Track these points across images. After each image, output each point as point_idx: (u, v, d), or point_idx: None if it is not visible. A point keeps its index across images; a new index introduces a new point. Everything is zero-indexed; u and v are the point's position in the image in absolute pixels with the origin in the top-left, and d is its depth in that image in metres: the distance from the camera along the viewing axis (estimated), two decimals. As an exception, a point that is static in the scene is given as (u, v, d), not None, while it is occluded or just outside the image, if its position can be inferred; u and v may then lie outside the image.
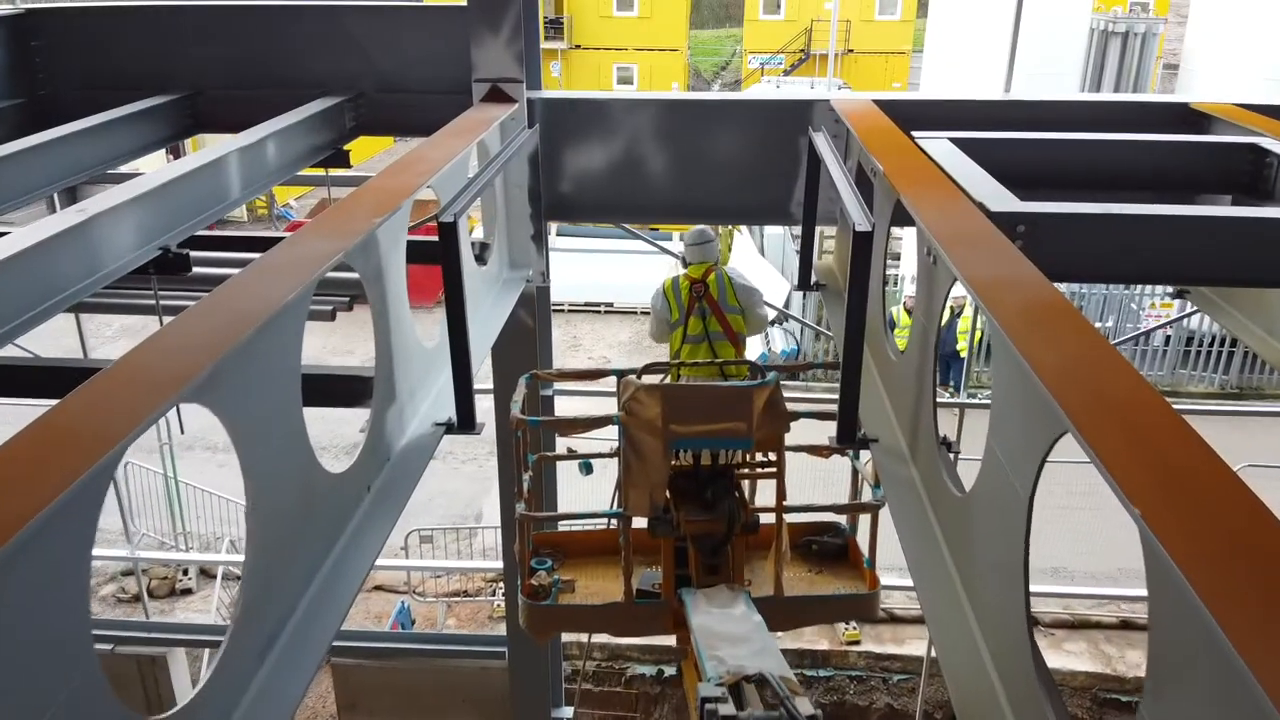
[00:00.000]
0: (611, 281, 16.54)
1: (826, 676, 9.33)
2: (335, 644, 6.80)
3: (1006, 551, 2.36)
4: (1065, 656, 9.30)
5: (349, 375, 3.65)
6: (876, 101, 5.12)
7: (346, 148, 5.34)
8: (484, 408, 6.97)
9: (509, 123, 5.15)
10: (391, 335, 3.42)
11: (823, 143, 4.65)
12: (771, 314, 15.77)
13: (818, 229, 5.29)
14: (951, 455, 3.28)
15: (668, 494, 4.21)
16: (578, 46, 34.91)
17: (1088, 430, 1.93)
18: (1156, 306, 14.34)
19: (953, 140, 4.23)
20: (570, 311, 17.15)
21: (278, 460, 2.52)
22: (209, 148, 4.28)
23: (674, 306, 4.74)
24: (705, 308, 4.78)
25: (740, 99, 5.40)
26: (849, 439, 3.61)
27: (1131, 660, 9.31)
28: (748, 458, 4.33)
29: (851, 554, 4.91)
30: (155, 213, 3.65)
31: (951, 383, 14.38)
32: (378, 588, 9.78)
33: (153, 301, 3.87)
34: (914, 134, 4.33)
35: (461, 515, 10.61)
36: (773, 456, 4.28)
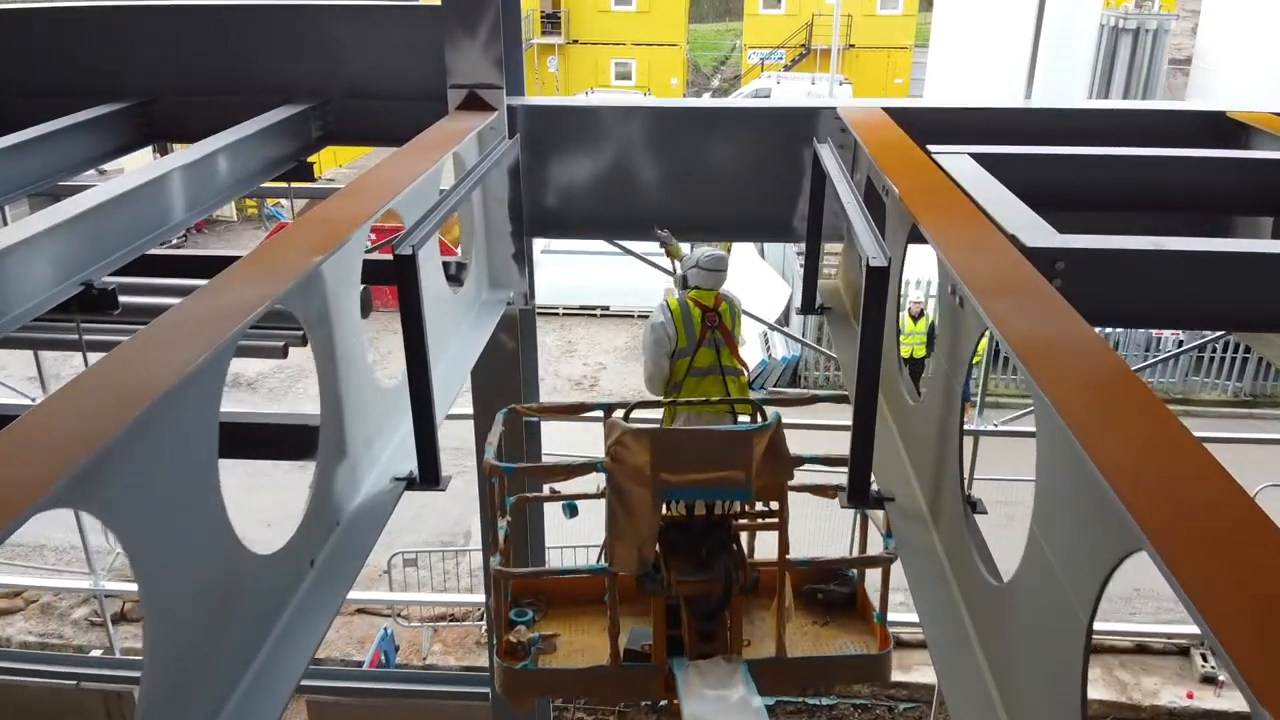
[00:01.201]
0: (607, 284, 16.10)
1: (829, 705, 8.93)
2: (308, 683, 6.41)
3: (1057, 674, 1.95)
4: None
5: (296, 425, 3.24)
6: (886, 109, 4.71)
7: (311, 159, 4.92)
8: (463, 434, 6.56)
9: (487, 132, 4.74)
10: (341, 382, 3.02)
11: (829, 157, 4.23)
12: (773, 316, 15.36)
13: (823, 247, 4.89)
14: (976, 514, 2.89)
15: (658, 548, 3.80)
16: (575, 41, 34.45)
17: (1170, 554, 1.54)
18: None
19: (973, 156, 3.83)
20: (565, 315, 16.73)
21: (183, 555, 2.12)
22: (149, 164, 3.87)
23: (682, 333, 4.30)
24: (718, 338, 4.33)
25: (738, 106, 4.99)
26: (861, 498, 3.20)
27: (1148, 688, 8.91)
28: (747, 508, 3.92)
29: (860, 603, 4.50)
30: (77, 243, 3.24)
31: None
32: (360, 610, 9.37)
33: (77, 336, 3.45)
34: (930, 148, 3.93)
35: (450, 533, 10.20)
36: (774, 505, 3.86)
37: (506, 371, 5.39)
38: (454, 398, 4.13)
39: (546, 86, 34.83)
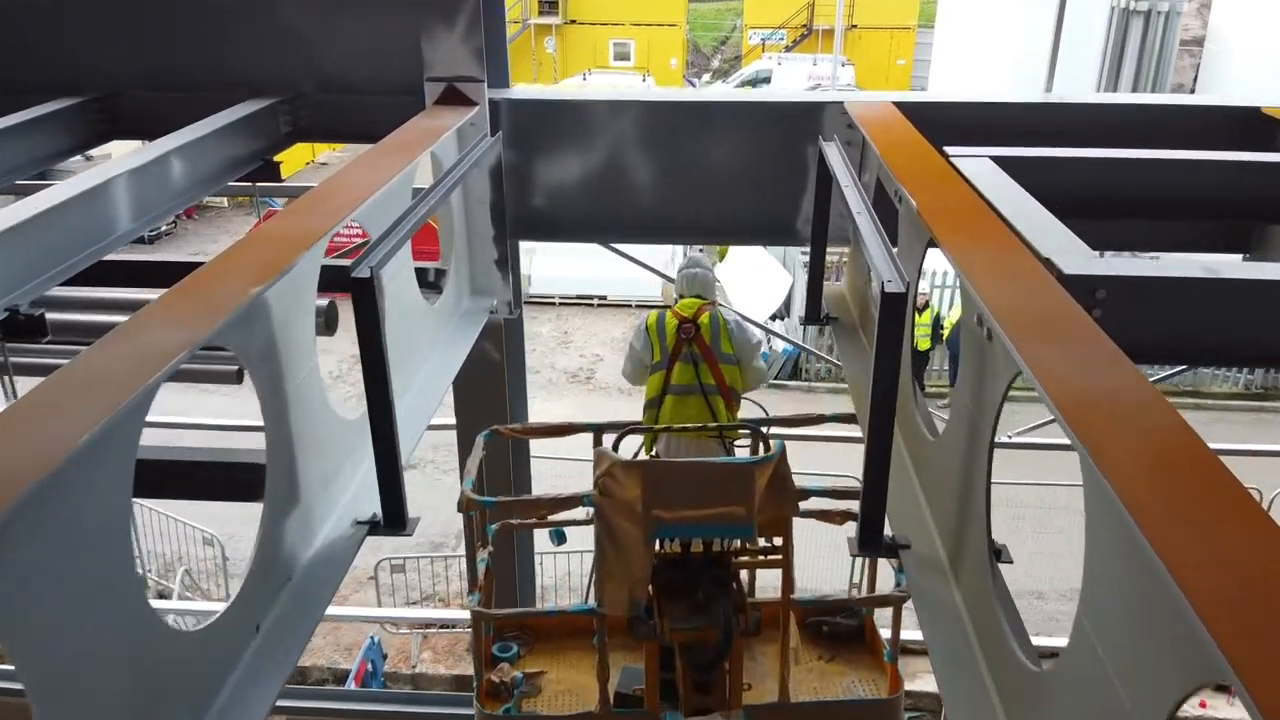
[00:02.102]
0: (604, 274, 15.72)
1: None
2: (285, 703, 6.13)
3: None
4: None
5: (243, 463, 2.91)
6: (897, 104, 4.37)
7: (278, 158, 4.59)
8: (444, 441, 6.19)
9: (467, 129, 4.40)
10: (293, 420, 2.70)
11: (836, 158, 3.89)
12: (774, 307, 15.02)
13: (829, 252, 4.56)
14: (1001, 563, 2.58)
15: (650, 589, 3.49)
16: (573, 22, 33.93)
17: (1266, 702, 1.22)
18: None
19: (994, 159, 3.50)
20: (561, 305, 16.39)
21: (81, 654, 1.80)
22: (89, 171, 3.53)
23: (655, 346, 4.01)
24: (695, 353, 4.03)
25: (738, 100, 4.64)
26: (873, 546, 2.89)
27: None
28: (748, 544, 3.61)
29: (869, 636, 4.20)
30: (2, 263, 2.90)
31: (963, 384, 13.65)
32: (348, 616, 9.07)
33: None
34: (948, 150, 3.59)
35: (441, 534, 9.90)
36: (778, 541, 3.55)
37: (491, 383, 5.08)
38: (430, 417, 3.82)
39: (544, 67, 34.37)
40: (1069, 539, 9.32)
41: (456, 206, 4.46)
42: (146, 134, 4.80)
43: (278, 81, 4.71)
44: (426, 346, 4.05)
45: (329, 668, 8.68)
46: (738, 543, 3.61)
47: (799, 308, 14.40)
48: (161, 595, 9.31)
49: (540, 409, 13.57)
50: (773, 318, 15.09)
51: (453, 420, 5.47)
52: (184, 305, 2.27)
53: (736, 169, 4.69)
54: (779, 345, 14.13)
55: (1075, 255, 2.52)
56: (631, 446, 4.49)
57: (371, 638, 8.40)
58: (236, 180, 4.48)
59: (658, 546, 3.48)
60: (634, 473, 3.25)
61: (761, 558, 3.69)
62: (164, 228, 18.98)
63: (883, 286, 2.59)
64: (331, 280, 3.01)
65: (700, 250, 4.34)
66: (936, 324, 13.62)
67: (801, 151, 4.59)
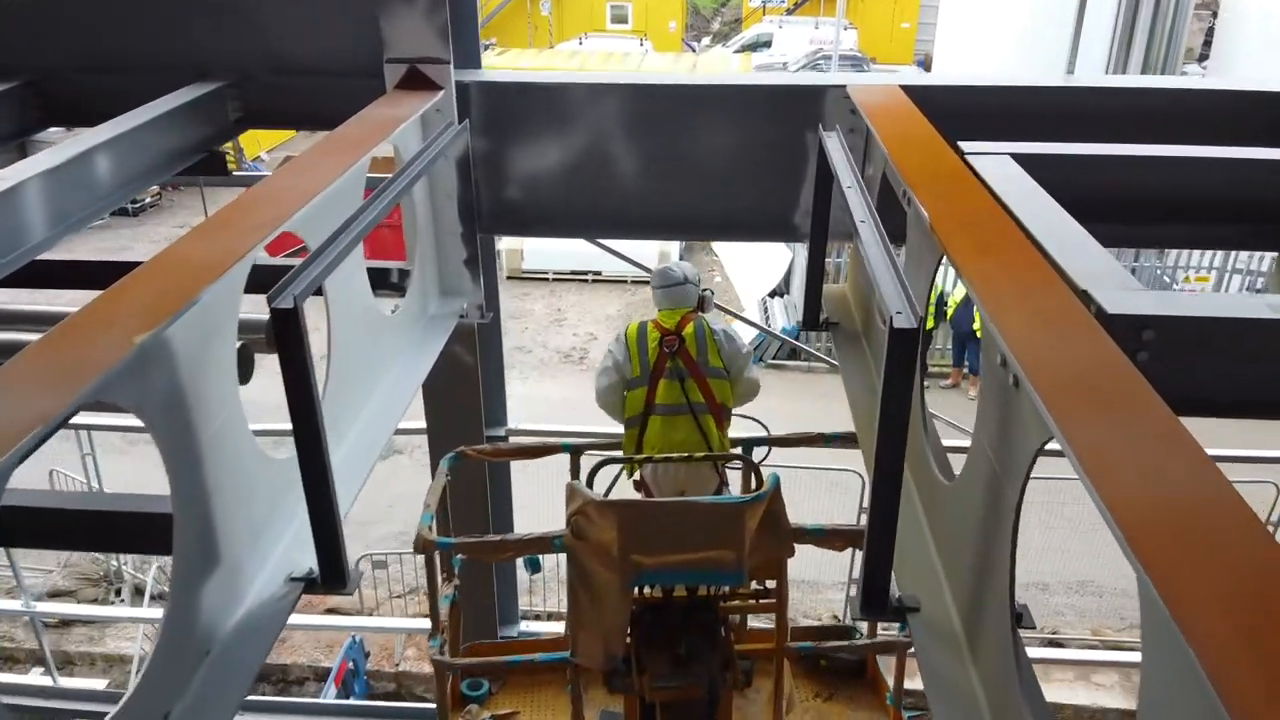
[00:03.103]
0: (599, 249, 15.29)
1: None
2: (247, 716, 5.84)
3: None
4: (1094, 691, 8.36)
5: (144, 513, 2.54)
6: (905, 88, 3.97)
7: (225, 148, 4.19)
8: (414, 443, 5.82)
9: (432, 115, 4.01)
10: (208, 471, 2.34)
11: (837, 152, 3.50)
12: (772, 284, 14.60)
13: (828, 253, 4.17)
14: (1022, 627, 2.24)
15: (629, 639, 3.15)
16: (570, -16, 33.20)
17: None
18: (1191, 280, 13.15)
19: (1015, 156, 3.11)
20: (555, 281, 15.96)
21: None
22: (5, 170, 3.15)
23: (635, 361, 3.64)
24: (681, 368, 3.66)
25: (731, 84, 4.24)
26: (878, 608, 2.54)
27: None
28: (738, 589, 3.26)
29: (870, 673, 3.87)
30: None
31: (967, 365, 13.30)
32: (330, 610, 8.77)
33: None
34: (963, 146, 3.20)
35: (427, 524, 9.58)
36: (771, 583, 3.21)
37: (464, 390, 4.71)
38: (389, 435, 3.47)
39: (540, 31, 33.68)
40: (1076, 530, 9.01)
41: (421, 201, 4.07)
42: (84, 120, 4.40)
43: (226, 63, 4.30)
44: (386, 359, 3.68)
45: (310, 666, 8.40)
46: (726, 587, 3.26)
47: (799, 284, 13.99)
48: (138, 590, 9.03)
49: (532, 391, 13.22)
50: (772, 294, 14.70)
51: (419, 424, 5.14)
52: (54, 359, 1.89)
53: (728, 159, 4.30)
54: (778, 324, 13.74)
55: (1116, 288, 2.15)
56: (613, 468, 4.12)
57: (354, 636, 8.11)
58: (179, 174, 4.10)
59: (637, 590, 3.13)
60: (610, 514, 2.90)
61: (753, 601, 3.34)
62: (148, 199, 18.49)
63: (891, 321, 2.21)
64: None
65: (679, 255, 3.94)
66: (941, 302, 13.23)
67: (800, 140, 4.20)
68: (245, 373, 2.55)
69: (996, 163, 3.06)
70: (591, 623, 3.04)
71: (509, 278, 15.68)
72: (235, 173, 5.33)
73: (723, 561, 2.94)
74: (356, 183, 3.27)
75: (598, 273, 15.96)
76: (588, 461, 3.91)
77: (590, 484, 3.17)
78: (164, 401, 2.14)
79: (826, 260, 4.40)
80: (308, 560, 2.66)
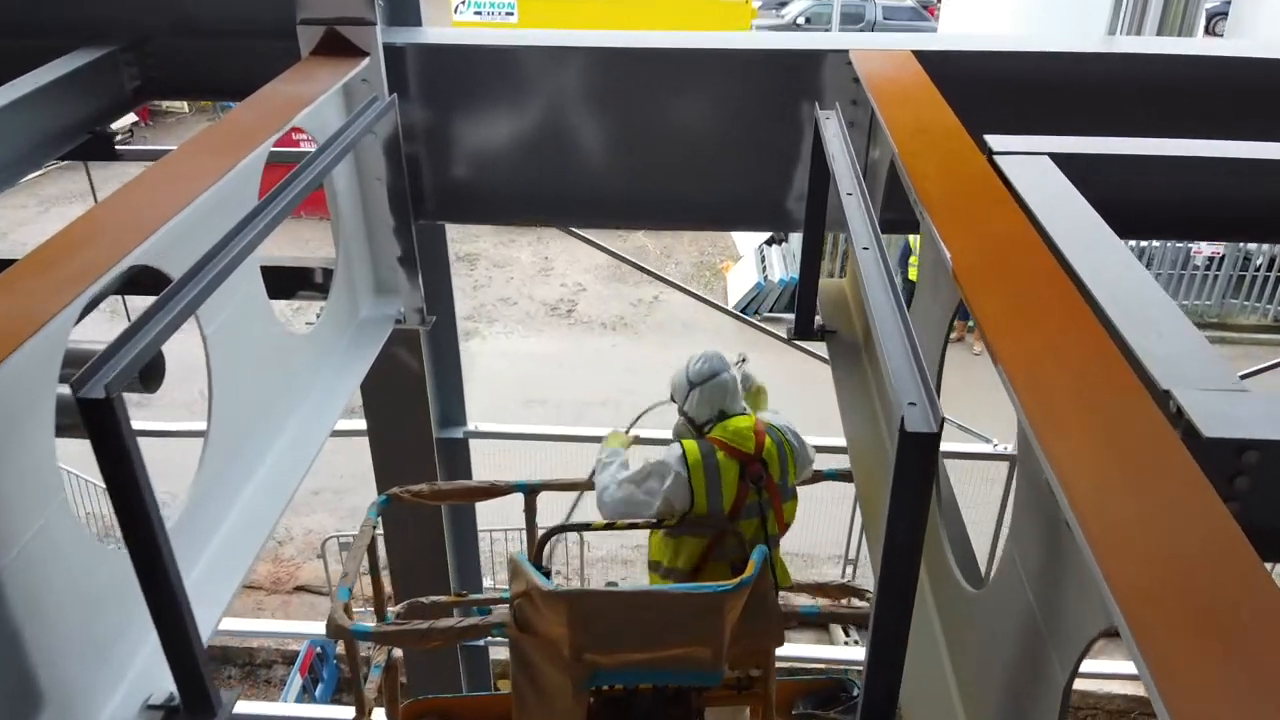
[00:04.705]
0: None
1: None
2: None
3: None
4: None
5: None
6: (919, 54, 3.34)
7: (114, 127, 3.58)
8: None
9: (357, 87, 3.39)
10: (21, 592, 1.82)
11: (836, 142, 2.89)
12: (764, 236, 13.92)
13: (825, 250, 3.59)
14: None
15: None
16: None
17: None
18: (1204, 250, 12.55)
19: (1054, 158, 2.52)
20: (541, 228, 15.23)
21: None
22: None
23: (703, 497, 2.87)
24: (765, 500, 2.91)
25: (714, 47, 3.59)
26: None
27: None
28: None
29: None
30: None
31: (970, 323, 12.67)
32: (300, 588, 8.35)
33: None
34: (991, 143, 2.61)
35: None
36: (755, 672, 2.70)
37: (409, 392, 4.16)
38: (308, 465, 2.93)
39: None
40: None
41: (346, 190, 3.47)
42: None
43: (120, 22, 3.66)
44: (300, 386, 3.12)
45: (277, 649, 8.02)
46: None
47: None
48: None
49: (517, 346, 12.66)
50: (769, 242, 14.03)
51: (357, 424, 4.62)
52: None
53: (711, 136, 3.69)
54: (776, 276, 13.11)
55: (1209, 387, 1.58)
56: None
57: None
58: (63, 156, 3.50)
59: (595, 689, 2.62)
60: (559, 606, 2.36)
61: (733, 692, 2.81)
62: (119, 136, 17.63)
63: (902, 423, 1.64)
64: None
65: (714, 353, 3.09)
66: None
67: (794, 112, 3.59)
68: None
69: (1033, 168, 2.47)
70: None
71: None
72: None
73: (697, 660, 2.43)
74: (247, 183, 2.67)
75: (588, 217, 15.21)
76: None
77: (539, 559, 2.63)
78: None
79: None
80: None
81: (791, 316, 3.75)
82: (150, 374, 2.73)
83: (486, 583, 8.21)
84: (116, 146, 3.59)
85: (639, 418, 3.54)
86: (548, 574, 2.50)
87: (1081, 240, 2.05)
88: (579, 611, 2.37)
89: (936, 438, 1.65)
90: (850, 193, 2.56)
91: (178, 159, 2.59)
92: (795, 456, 2.99)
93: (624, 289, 13.59)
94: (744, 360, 3.55)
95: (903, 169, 2.47)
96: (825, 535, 8.89)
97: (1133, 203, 2.58)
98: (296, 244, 12.67)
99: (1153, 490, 1.40)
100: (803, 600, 2.75)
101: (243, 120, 2.84)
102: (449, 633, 2.54)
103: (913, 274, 13.40)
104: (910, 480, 1.70)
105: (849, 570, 8.67)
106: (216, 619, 2.39)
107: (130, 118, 17.95)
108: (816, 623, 7.75)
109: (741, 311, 13.42)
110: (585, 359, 12.14)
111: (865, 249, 2.27)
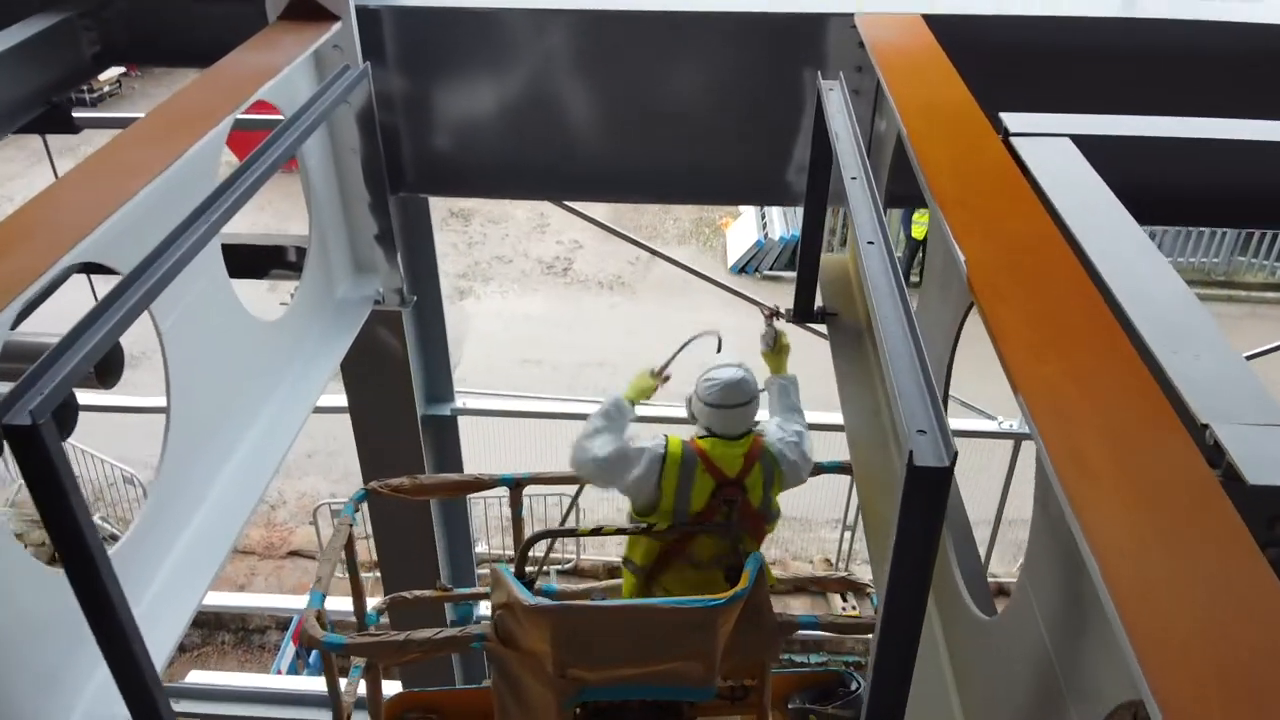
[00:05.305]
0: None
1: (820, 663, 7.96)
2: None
3: None
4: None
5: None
6: (928, 19, 3.13)
7: (100, 79, 3.40)
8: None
9: (328, 53, 3.18)
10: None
11: (839, 117, 2.70)
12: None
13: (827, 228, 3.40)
14: None
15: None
16: None
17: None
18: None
19: (1075, 139, 2.34)
20: (540, 180, 14.93)
21: None
22: None
23: (668, 496, 2.70)
24: (734, 522, 2.75)
25: (710, 10, 3.37)
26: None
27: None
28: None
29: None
30: None
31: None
32: (293, 553, 8.26)
33: None
34: (1008, 123, 2.42)
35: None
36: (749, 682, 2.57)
37: (391, 371, 4.01)
38: (281, 456, 2.79)
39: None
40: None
41: (319, 166, 3.28)
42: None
43: (79, -16, 3.44)
44: (274, 372, 2.97)
45: (271, 614, 7.95)
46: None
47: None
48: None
49: (512, 306, 12.46)
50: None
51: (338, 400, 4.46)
52: None
53: (706, 103, 3.50)
54: (776, 234, 12.87)
55: (1250, 421, 1.42)
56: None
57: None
58: (19, 130, 3.29)
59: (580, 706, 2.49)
60: (542, 621, 2.23)
61: (727, 702, 2.68)
62: (106, 88, 17.25)
63: (911, 457, 1.48)
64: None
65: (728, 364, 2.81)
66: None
67: (795, 80, 3.40)
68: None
69: (1052, 152, 2.29)
70: (520, 736, 2.43)
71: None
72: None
73: (687, 675, 2.30)
74: (205, 165, 2.49)
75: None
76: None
77: (521, 571, 2.48)
78: None
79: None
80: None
81: (792, 274, 3.56)
82: (107, 369, 2.57)
83: (480, 549, 8.14)
84: (75, 116, 3.36)
85: (676, 354, 3.18)
86: (531, 584, 2.36)
87: (1109, 241, 1.88)
88: (563, 628, 2.24)
89: (949, 472, 1.49)
90: (855, 176, 2.37)
91: (127, 141, 2.39)
92: (784, 480, 2.80)
93: (622, 246, 13.33)
94: (776, 314, 3.31)
95: (912, 154, 2.29)
96: (823, 499, 8.78)
97: (1160, 187, 2.40)
98: (290, 198, 12.42)
99: (1190, 548, 1.25)
100: (800, 610, 2.61)
101: (201, 95, 2.64)
102: (426, 645, 2.41)
103: (917, 231, 13.06)
104: (918, 515, 1.54)
105: (847, 536, 8.56)
106: (187, 619, 2.31)
107: (117, 69, 17.51)
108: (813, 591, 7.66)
109: (741, 269, 13.21)
110: (583, 318, 11.96)
111: (870, 243, 2.09)
